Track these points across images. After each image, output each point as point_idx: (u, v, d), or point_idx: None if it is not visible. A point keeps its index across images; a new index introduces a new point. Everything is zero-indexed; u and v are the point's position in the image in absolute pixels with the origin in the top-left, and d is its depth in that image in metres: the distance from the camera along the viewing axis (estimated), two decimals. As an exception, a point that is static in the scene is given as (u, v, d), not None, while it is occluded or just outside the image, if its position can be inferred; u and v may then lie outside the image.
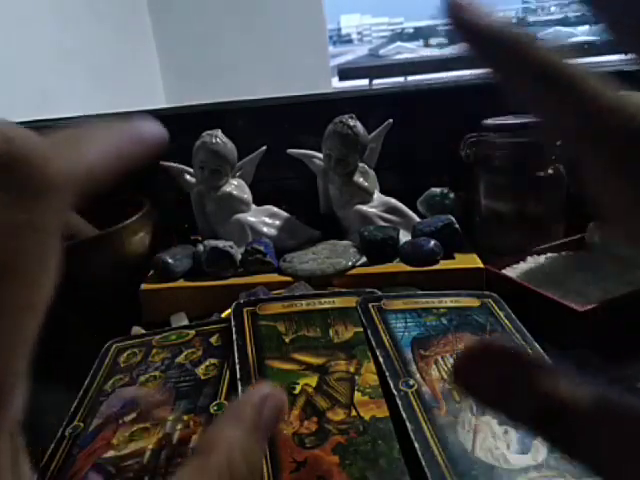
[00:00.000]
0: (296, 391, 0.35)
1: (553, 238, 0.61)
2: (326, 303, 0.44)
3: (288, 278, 0.56)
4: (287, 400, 0.18)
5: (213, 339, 0.42)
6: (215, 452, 0.15)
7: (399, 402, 0.33)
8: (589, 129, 0.14)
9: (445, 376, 0.35)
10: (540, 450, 0.30)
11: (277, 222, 0.65)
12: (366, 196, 0.64)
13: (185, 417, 0.34)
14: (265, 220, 0.65)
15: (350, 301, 0.44)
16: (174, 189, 0.68)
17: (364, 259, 0.58)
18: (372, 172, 0.65)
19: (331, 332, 0.41)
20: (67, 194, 0.12)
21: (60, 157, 0.12)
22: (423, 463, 0.28)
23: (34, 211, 0.11)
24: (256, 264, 0.58)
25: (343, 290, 0.49)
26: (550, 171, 0.59)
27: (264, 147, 0.67)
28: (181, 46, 2.09)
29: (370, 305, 0.43)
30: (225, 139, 0.63)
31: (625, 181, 0.12)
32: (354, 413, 0.33)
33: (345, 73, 3.33)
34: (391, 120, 0.65)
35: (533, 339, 0.40)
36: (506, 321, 0.42)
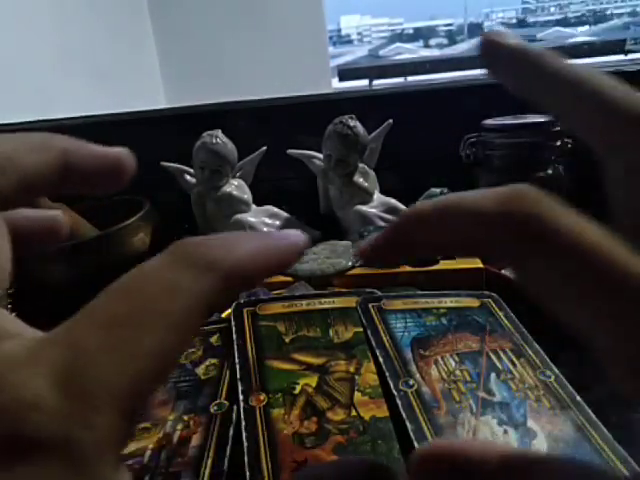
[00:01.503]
0: (296, 391, 0.35)
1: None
2: (326, 303, 0.44)
3: (288, 278, 0.56)
4: None
5: (213, 339, 0.42)
6: None
7: (399, 402, 0.33)
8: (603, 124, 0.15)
9: (445, 376, 0.35)
10: (540, 450, 0.30)
11: (277, 222, 0.65)
12: (366, 196, 0.64)
13: (185, 417, 0.34)
14: (265, 220, 0.65)
15: (350, 301, 0.44)
16: (174, 189, 0.68)
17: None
18: (372, 172, 0.66)
19: (331, 332, 0.41)
20: (221, 277, 0.13)
21: (223, 248, 0.13)
22: (423, 463, 0.28)
23: (193, 280, 0.13)
24: (256, 264, 0.58)
25: (343, 290, 0.49)
26: (550, 171, 0.59)
27: (264, 147, 0.67)
28: (181, 46, 2.09)
29: (370, 305, 0.43)
30: (225, 139, 0.63)
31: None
32: (354, 413, 0.33)
33: (345, 74, 3.34)
34: (391, 120, 0.65)
35: (533, 339, 0.40)
36: (506, 321, 0.42)
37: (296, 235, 0.15)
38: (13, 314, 0.55)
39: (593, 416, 0.32)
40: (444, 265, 0.56)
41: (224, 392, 0.36)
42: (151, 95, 1.96)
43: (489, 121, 0.61)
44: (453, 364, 0.37)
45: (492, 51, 0.16)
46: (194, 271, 0.13)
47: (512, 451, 0.16)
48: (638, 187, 0.15)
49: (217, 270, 0.13)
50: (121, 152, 0.17)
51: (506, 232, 0.13)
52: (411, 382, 0.34)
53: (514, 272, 0.13)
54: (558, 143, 0.59)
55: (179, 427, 0.33)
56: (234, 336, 0.40)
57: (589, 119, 0.15)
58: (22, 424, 0.10)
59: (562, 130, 0.59)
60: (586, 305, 0.12)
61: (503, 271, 0.55)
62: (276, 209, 0.66)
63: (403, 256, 0.15)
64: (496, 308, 0.44)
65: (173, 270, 0.13)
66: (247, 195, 0.65)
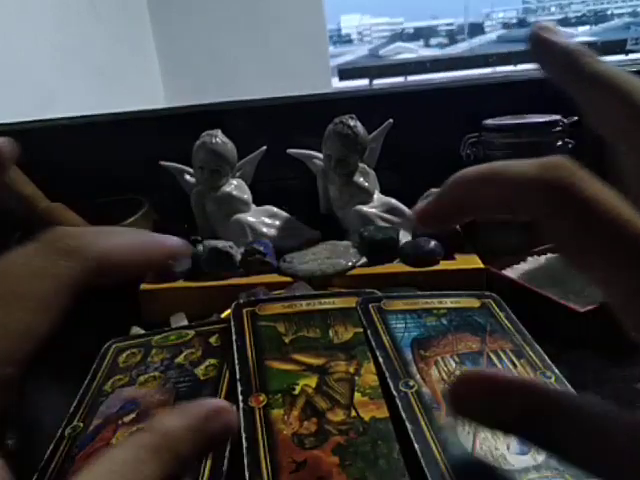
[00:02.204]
0: (296, 392, 0.35)
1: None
2: (326, 303, 0.44)
3: (288, 278, 0.56)
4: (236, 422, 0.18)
5: (213, 339, 0.42)
6: (150, 432, 0.16)
7: (399, 403, 0.33)
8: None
9: (445, 377, 0.35)
10: (540, 450, 0.29)
11: (277, 222, 0.65)
12: (366, 196, 0.64)
13: (185, 417, 0.34)
14: (265, 220, 0.65)
15: (350, 301, 0.44)
16: (174, 189, 0.68)
17: (364, 259, 0.58)
18: (372, 172, 0.65)
19: (331, 333, 0.41)
20: (84, 262, 0.15)
21: (90, 236, 0.15)
22: (423, 464, 0.28)
23: (57, 264, 0.14)
24: (256, 264, 0.58)
25: (343, 290, 0.49)
26: (550, 171, 0.59)
27: (264, 147, 0.67)
28: (181, 46, 2.09)
29: (370, 306, 0.43)
30: (225, 139, 0.63)
31: None
32: (354, 414, 0.33)
33: (345, 73, 3.35)
34: (391, 120, 0.65)
35: (533, 340, 0.39)
36: (506, 322, 0.42)
37: (174, 240, 0.16)
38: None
39: (593, 417, 0.32)
40: (444, 265, 0.56)
41: (223, 393, 0.36)
42: (151, 95, 1.96)
43: (489, 121, 0.61)
44: (453, 365, 0.37)
45: (540, 46, 0.18)
46: (60, 256, 0.14)
47: (541, 385, 0.17)
48: None
49: (82, 256, 0.14)
50: None
51: (543, 196, 0.15)
52: (411, 383, 0.34)
53: (546, 231, 0.15)
54: (559, 143, 0.59)
55: (178, 428, 0.33)
56: (233, 336, 0.40)
57: (616, 119, 0.17)
58: None
59: (565, 130, 0.59)
60: (607, 263, 0.14)
61: (504, 271, 0.55)
62: (276, 209, 0.66)
63: (454, 218, 0.17)
64: (497, 309, 0.43)
65: (40, 255, 0.14)
66: (247, 195, 0.65)
